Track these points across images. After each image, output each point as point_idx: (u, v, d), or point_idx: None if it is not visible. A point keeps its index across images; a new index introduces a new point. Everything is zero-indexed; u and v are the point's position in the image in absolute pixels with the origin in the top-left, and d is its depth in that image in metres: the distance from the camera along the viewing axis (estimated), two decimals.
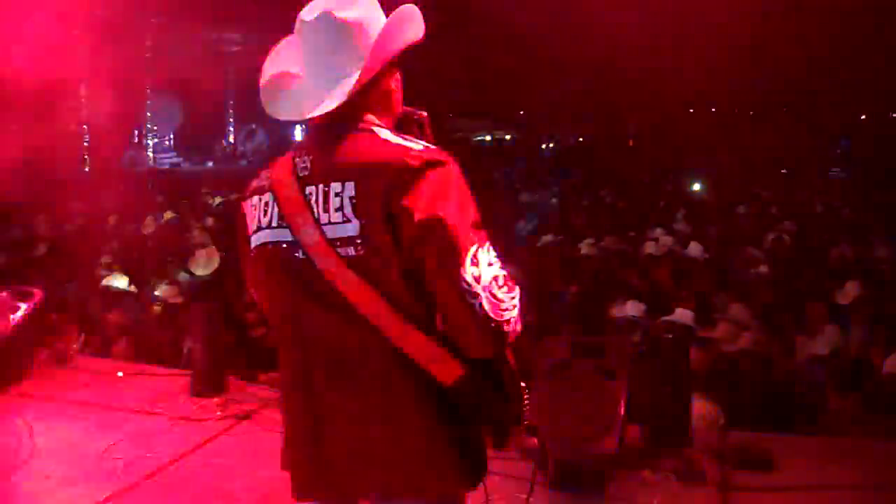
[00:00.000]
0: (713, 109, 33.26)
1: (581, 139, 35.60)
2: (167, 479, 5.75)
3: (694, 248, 12.97)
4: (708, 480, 5.49)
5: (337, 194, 2.48)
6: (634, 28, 22.56)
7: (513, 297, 2.50)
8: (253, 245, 2.75)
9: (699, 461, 5.64)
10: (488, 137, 37.03)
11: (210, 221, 17.15)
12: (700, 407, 6.24)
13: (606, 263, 12.48)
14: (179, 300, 10.86)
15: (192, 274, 12.61)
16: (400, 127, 2.73)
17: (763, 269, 11.57)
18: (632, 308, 8.72)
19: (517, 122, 37.47)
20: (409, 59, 2.75)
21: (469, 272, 2.39)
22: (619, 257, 12.99)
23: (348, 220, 2.45)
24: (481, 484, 2.71)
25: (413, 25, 2.69)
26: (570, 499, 5.07)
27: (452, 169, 2.49)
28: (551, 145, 36.31)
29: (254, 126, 37.40)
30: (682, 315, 8.12)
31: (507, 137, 38.01)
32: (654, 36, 22.37)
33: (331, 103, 2.54)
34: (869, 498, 5.34)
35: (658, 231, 14.69)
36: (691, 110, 32.94)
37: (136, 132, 35.62)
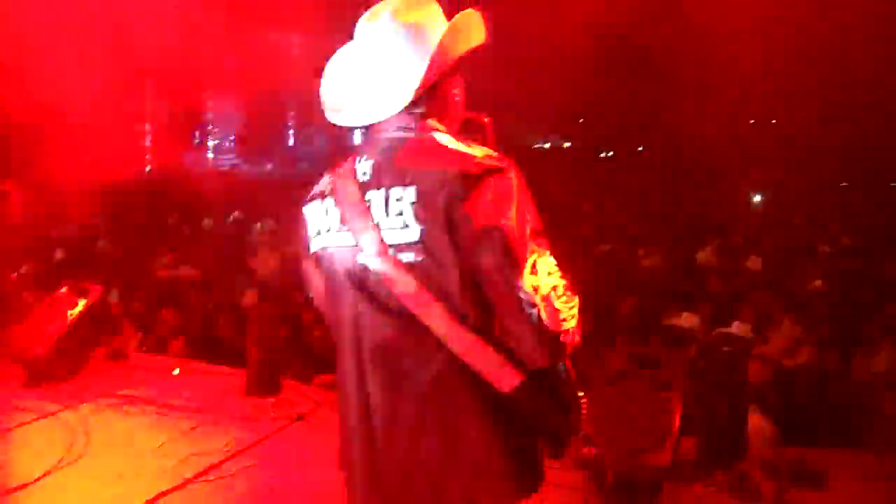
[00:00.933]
0: (773, 121, 32.85)
1: (641, 148, 35.40)
2: (218, 478, 5.77)
3: (753, 262, 12.85)
4: (762, 496, 5.43)
5: (398, 199, 2.46)
6: (694, 39, 22.42)
7: (572, 308, 2.48)
8: (313, 249, 2.76)
9: (753, 476, 5.58)
10: (547, 145, 36.89)
11: (270, 223, 17.23)
12: (755, 421, 6.18)
13: (663, 274, 12.40)
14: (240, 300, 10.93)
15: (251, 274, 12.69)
16: (462, 132, 2.71)
17: (819, 283, 11.44)
18: (687, 319, 8.66)
19: (575, 130, 37.33)
20: (471, 65, 2.73)
21: (528, 281, 2.38)
22: (675, 268, 12.90)
23: (408, 226, 2.44)
24: (535, 493, 2.68)
25: (475, 30, 2.67)
26: None
27: (513, 176, 2.46)
28: (610, 153, 36.18)
29: (313, 129, 37.56)
30: (739, 328, 8.05)
31: (566, 145, 37.88)
32: (712, 47, 22.15)
33: (391, 109, 2.55)
34: None
35: (715, 243, 14.58)
36: (752, 121, 32.59)
37: (198, 133, 35.91)
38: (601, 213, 20.32)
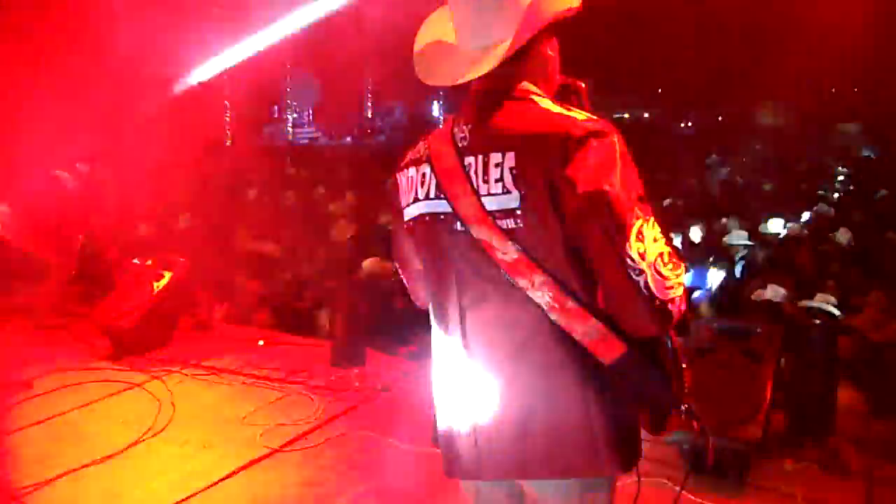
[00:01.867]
0: (855, 90, 32.28)
1: (720, 118, 34.98)
2: (305, 447, 5.83)
3: (843, 235, 12.63)
4: (852, 472, 5.35)
5: (497, 165, 2.39)
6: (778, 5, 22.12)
7: (679, 275, 2.39)
8: (408, 217, 2.69)
9: (844, 451, 5.50)
10: (626, 115, 36.60)
11: (349, 196, 17.28)
12: (845, 396, 6.09)
13: (749, 246, 12.23)
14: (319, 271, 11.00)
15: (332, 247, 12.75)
16: (558, 96, 2.65)
17: None
18: (773, 292, 8.54)
19: (656, 100, 37.04)
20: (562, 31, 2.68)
21: (634, 248, 2.28)
22: (761, 240, 12.73)
23: (508, 192, 2.37)
24: (634, 469, 2.63)
25: None
26: (712, 485, 4.98)
27: (616, 140, 2.36)
28: (689, 124, 35.84)
29: (391, 102, 37.66)
30: (824, 300, 7.93)
31: (646, 115, 37.58)
32: (800, 15, 21.81)
33: (483, 67, 2.45)
34: None
35: (805, 214, 14.38)
36: (833, 90, 32.09)
37: (276, 107, 36.16)
38: (681, 184, 20.09)
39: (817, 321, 6.20)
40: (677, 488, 3.38)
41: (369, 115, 38.58)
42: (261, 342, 8.09)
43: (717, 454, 4.95)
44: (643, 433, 2.63)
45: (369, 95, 38.39)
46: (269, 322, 9.37)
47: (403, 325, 7.97)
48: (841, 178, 21.95)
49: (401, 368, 7.13)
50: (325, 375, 7.10)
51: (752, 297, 8.92)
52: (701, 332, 5.75)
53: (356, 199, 16.82)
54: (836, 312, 7.76)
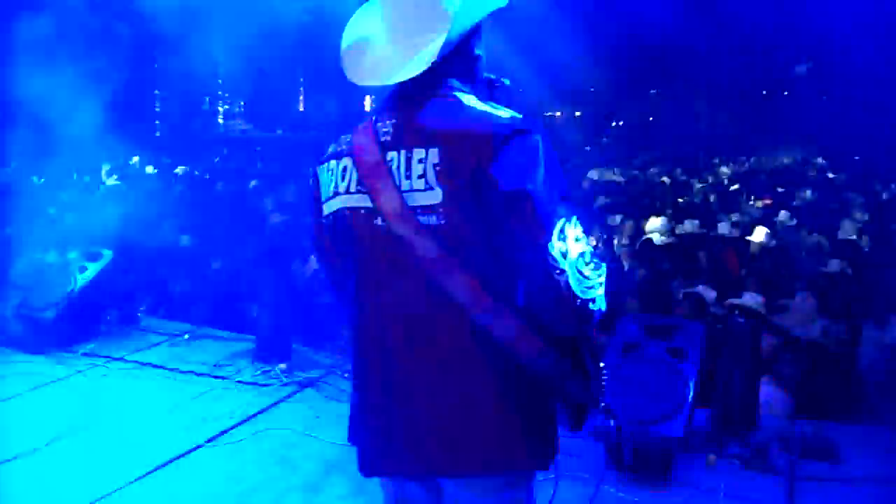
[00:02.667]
0: (786, 93, 32.68)
1: (651, 118, 35.27)
2: (230, 442, 5.79)
3: (759, 233, 12.77)
4: (774, 468, 5.42)
5: (420, 161, 2.40)
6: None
7: (599, 275, 2.42)
8: (328, 210, 2.67)
9: (766, 449, 5.57)
10: (559, 113, 36.73)
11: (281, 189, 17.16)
12: (768, 394, 6.16)
13: (676, 245, 12.34)
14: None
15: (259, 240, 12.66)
16: (484, 93, 2.66)
17: (831, 256, 11.35)
18: (701, 290, 8.62)
19: (586, 99, 37.21)
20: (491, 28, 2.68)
21: (556, 247, 2.31)
22: (689, 239, 12.84)
23: (431, 188, 2.37)
24: (552, 465, 2.65)
25: None
26: (635, 481, 5.03)
27: (540, 138, 2.38)
28: (620, 123, 36.09)
29: (324, 95, 37.46)
30: (752, 299, 8.01)
31: (577, 114, 37.76)
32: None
33: (416, 68, 2.45)
34: None
35: (732, 215, 14.52)
36: (764, 92, 32.44)
37: (208, 99, 35.84)
38: (611, 183, 20.23)
39: (741, 319, 6.25)
40: (593, 481, 3.40)
41: (301, 108, 38.38)
42: (186, 336, 8.02)
43: (641, 449, 5.00)
44: (562, 429, 2.64)
45: (302, 88, 38.17)
46: (196, 315, 9.29)
47: (329, 320, 7.96)
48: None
49: (326, 362, 7.12)
50: (251, 370, 7.07)
51: (682, 295, 9.01)
52: (626, 329, 5.80)
53: (288, 191, 16.71)
54: (762, 311, 7.84)
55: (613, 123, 36.08)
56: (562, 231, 2.33)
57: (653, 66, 28.50)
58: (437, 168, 2.37)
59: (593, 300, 2.39)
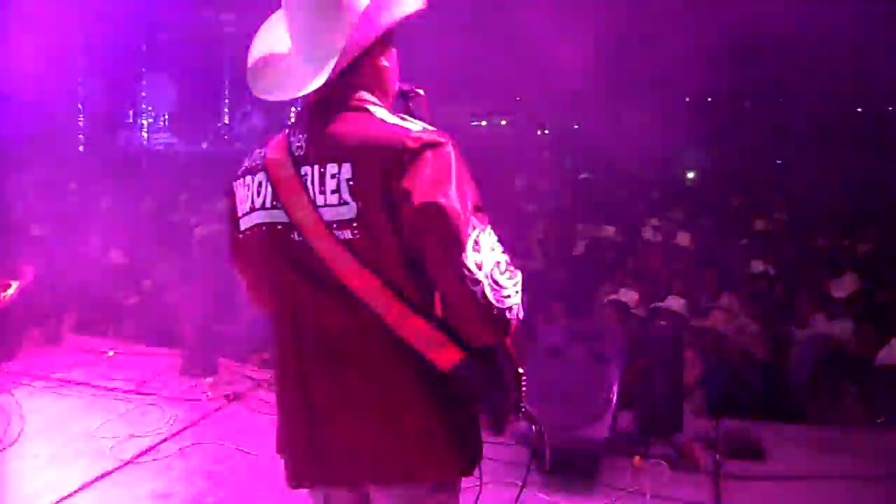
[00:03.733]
0: (709, 99, 33.03)
1: (577, 126, 35.42)
2: (157, 459, 5.74)
3: (682, 238, 12.91)
4: (700, 468, 5.50)
5: (333, 176, 2.41)
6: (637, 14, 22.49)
7: (515, 284, 2.44)
8: (244, 226, 2.68)
9: (691, 449, 5.64)
10: (484, 122, 36.81)
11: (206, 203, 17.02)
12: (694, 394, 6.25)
13: (599, 250, 12.44)
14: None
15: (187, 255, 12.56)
16: (397, 104, 2.67)
17: (753, 258, 11.49)
18: (624, 295, 8.70)
19: (514, 108, 37.27)
20: (406, 39, 2.69)
21: (471, 258, 2.33)
22: (612, 244, 12.94)
23: (345, 203, 2.39)
24: (476, 470, 2.67)
25: (411, 1, 2.60)
26: (561, 484, 5.07)
27: (451, 150, 2.41)
28: (546, 132, 36.20)
29: (249, 107, 37.22)
30: (674, 303, 8.10)
31: (503, 123, 37.85)
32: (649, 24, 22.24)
33: (318, 81, 2.46)
34: (859, 487, 5.35)
35: (653, 220, 14.64)
36: (687, 99, 32.74)
37: (131, 112, 35.47)
38: (540, 190, 20.31)
39: (664, 322, 6.33)
40: (520, 486, 3.41)
41: (226, 121, 38.12)
42: (111, 352, 7.93)
43: (566, 453, 5.04)
44: (486, 436, 2.67)
45: (226, 100, 37.90)
46: (121, 332, 9.21)
47: (255, 333, 7.94)
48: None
49: (253, 376, 7.09)
50: (177, 385, 7.01)
51: (605, 300, 9.09)
52: (550, 334, 5.85)
53: (212, 205, 16.59)
54: (684, 313, 7.94)
55: (539, 132, 36.22)
56: (476, 242, 2.35)
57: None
58: (350, 183, 2.38)
59: (510, 308, 2.41)
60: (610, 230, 13.34)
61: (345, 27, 2.48)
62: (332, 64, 2.44)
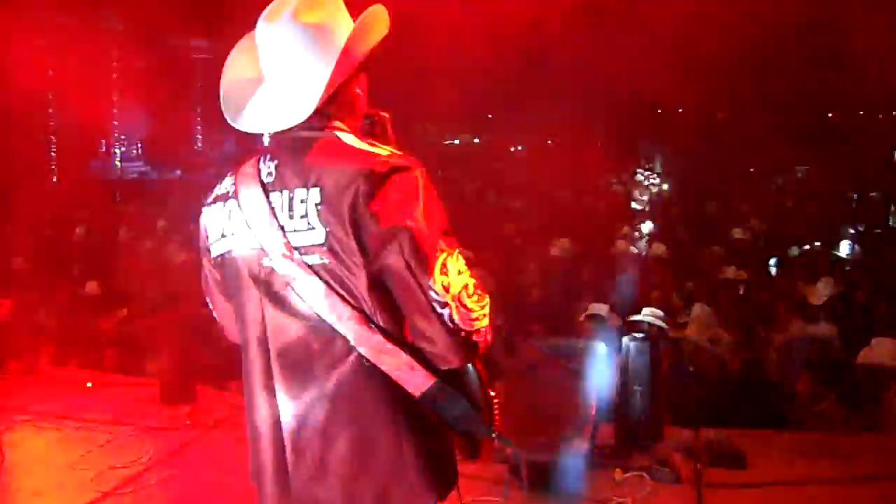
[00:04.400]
0: (680, 110, 33.17)
1: (549, 141, 35.52)
2: (137, 490, 5.71)
3: (657, 248, 12.97)
4: (682, 479, 5.51)
5: (302, 201, 2.41)
6: (607, 32, 22.54)
7: (483, 307, 2.47)
8: (216, 252, 2.69)
9: (672, 459, 5.66)
10: (457, 141, 36.95)
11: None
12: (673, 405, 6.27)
13: (574, 264, 12.47)
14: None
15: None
16: (363, 128, 2.68)
17: (729, 267, 11.55)
18: (598, 308, 8.71)
19: (485, 126, 37.37)
20: (377, 63, 2.70)
21: (439, 281, 2.35)
22: (586, 258, 12.98)
23: (313, 228, 2.39)
24: (455, 490, 2.66)
25: (380, 26, 2.62)
26: (543, 500, 5.06)
27: (419, 174, 2.42)
28: (519, 148, 36.30)
29: (222, 135, 37.13)
30: (651, 314, 8.12)
31: (476, 141, 37.98)
32: (622, 40, 22.29)
33: (300, 113, 2.46)
34: (841, 492, 5.38)
35: (625, 231, 14.70)
36: (659, 111, 32.87)
37: (104, 141, 35.34)
38: (511, 206, 20.36)
39: (641, 334, 6.34)
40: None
41: (199, 147, 37.99)
42: (89, 384, 7.90)
43: (547, 468, 5.05)
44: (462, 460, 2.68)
45: (199, 127, 37.81)
46: (100, 363, 9.17)
47: (234, 359, 7.91)
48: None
49: (232, 403, 7.06)
50: (156, 414, 6.97)
51: (580, 313, 9.10)
52: (526, 351, 5.86)
53: (187, 232, 16.55)
54: (663, 325, 7.95)
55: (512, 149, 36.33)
56: (444, 265, 2.37)
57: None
58: (319, 208, 2.38)
59: (478, 331, 2.44)
60: (565, 241, 13.35)
61: (324, 58, 2.49)
62: (314, 95, 2.46)
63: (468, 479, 2.72)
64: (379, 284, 2.41)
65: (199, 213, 2.78)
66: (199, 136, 37.91)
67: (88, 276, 12.73)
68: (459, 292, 2.39)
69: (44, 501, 5.56)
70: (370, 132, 2.67)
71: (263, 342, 2.61)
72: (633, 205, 19.84)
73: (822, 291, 9.50)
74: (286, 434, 2.59)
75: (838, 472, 5.58)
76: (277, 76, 2.57)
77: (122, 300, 11.50)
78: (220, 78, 2.69)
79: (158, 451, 6.25)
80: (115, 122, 34.33)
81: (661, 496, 5.32)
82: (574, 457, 5.22)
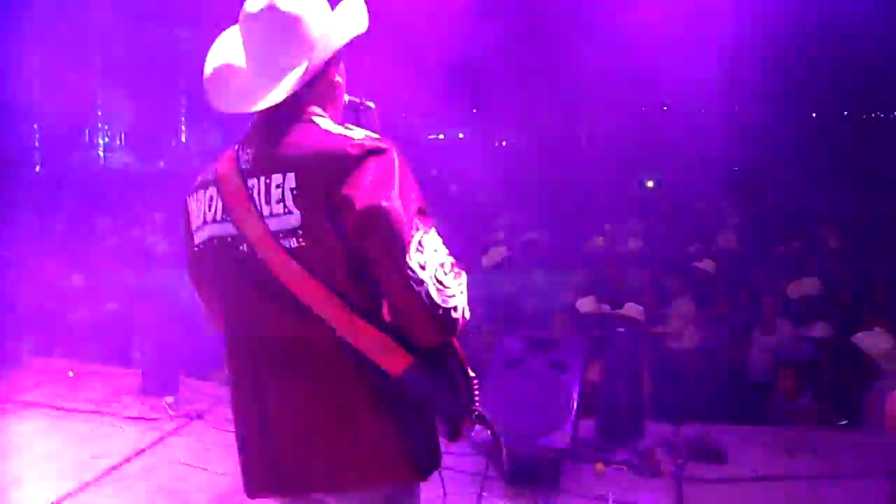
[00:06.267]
0: (665, 108, 33.21)
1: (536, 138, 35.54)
2: (119, 479, 5.71)
3: (633, 243, 12.99)
4: (662, 472, 5.54)
5: (278, 186, 2.44)
6: (595, 25, 22.53)
7: (460, 284, 2.48)
8: (198, 240, 2.70)
9: (653, 454, 5.68)
10: (442, 136, 36.89)
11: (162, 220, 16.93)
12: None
13: (563, 259, 12.46)
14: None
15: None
16: (347, 116, 2.71)
17: (709, 263, 11.55)
18: (581, 303, 8.73)
19: (471, 121, 37.33)
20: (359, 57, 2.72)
21: (415, 259, 2.36)
22: (574, 251, 12.99)
23: (290, 212, 2.42)
24: (436, 475, 2.66)
25: (359, 18, 2.67)
26: (523, 492, 5.09)
27: (395, 156, 2.45)
28: (504, 143, 36.27)
29: (206, 125, 37.04)
30: (632, 310, 8.15)
31: (461, 136, 37.93)
32: (612, 34, 22.28)
33: (278, 95, 2.51)
34: (820, 487, 5.40)
35: (607, 228, 14.71)
36: (643, 108, 32.91)
37: (87, 131, 35.24)
38: (495, 199, 20.35)
39: (622, 329, 6.37)
40: (484, 494, 3.41)
41: (183, 139, 37.92)
42: (71, 373, 7.89)
43: (528, 462, 5.07)
44: (447, 445, 2.68)
45: (183, 118, 37.73)
46: (81, 352, 9.15)
47: (216, 349, 7.91)
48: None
49: (214, 393, 7.07)
50: (138, 404, 6.98)
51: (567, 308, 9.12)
52: (508, 345, 5.88)
53: (170, 222, 16.50)
54: (642, 319, 7.99)
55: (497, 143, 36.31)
56: (420, 243, 2.39)
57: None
58: (294, 192, 2.41)
59: (455, 308, 2.45)
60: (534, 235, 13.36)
61: (304, 44, 2.54)
62: (292, 79, 2.51)
63: (446, 470, 2.72)
64: (356, 265, 2.43)
65: (182, 200, 2.79)
66: (184, 128, 37.78)
67: (72, 266, 12.70)
68: (436, 270, 2.41)
69: (24, 490, 5.55)
70: (356, 122, 2.68)
71: (245, 327, 2.63)
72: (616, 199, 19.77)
73: (804, 286, 9.52)
74: (270, 416, 2.60)
75: (817, 468, 5.62)
76: (258, 60, 2.61)
77: (103, 290, 11.49)
78: (203, 67, 2.71)
79: (140, 442, 6.25)
80: (99, 112, 34.23)
81: (641, 490, 5.35)
82: (554, 450, 5.24)
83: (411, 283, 2.36)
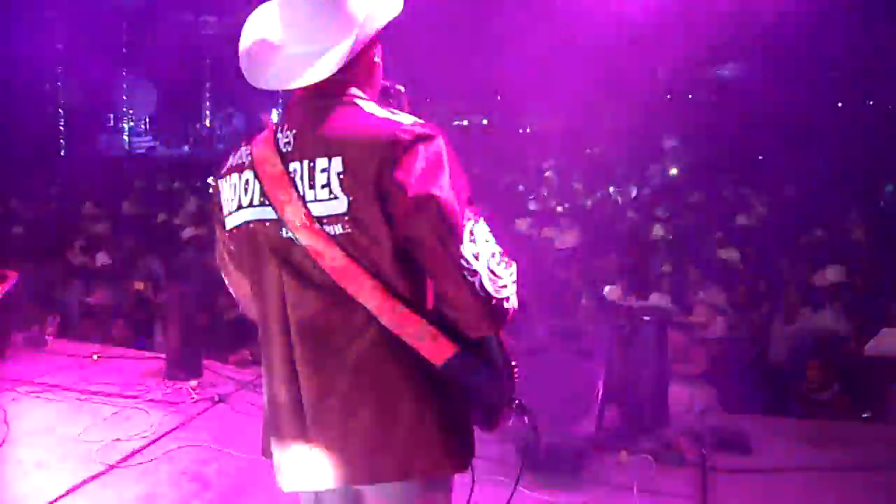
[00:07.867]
0: (690, 96, 33.11)
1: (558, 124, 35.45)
2: (142, 462, 5.71)
3: (658, 230, 12.96)
4: (686, 462, 5.51)
5: (323, 170, 2.38)
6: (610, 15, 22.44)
7: (511, 274, 2.46)
8: (231, 225, 2.64)
9: (677, 443, 5.66)
10: (466, 122, 36.83)
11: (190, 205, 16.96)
12: (678, 389, 6.26)
13: (587, 248, 12.45)
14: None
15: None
16: (380, 100, 2.65)
17: (733, 252, 11.50)
18: (609, 292, 8.72)
19: (495, 107, 37.27)
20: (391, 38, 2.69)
21: (468, 249, 2.34)
22: (597, 242, 12.97)
23: (335, 197, 2.36)
24: (469, 467, 2.65)
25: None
26: (548, 480, 5.06)
27: (442, 143, 2.40)
28: (527, 129, 36.20)
29: (231, 110, 37.12)
30: (659, 299, 8.13)
31: (484, 122, 37.87)
32: (627, 24, 22.18)
33: (321, 73, 2.44)
34: (845, 479, 5.38)
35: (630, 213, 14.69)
36: (668, 96, 32.79)
37: (112, 116, 35.36)
38: (520, 189, 20.34)
39: (647, 318, 6.34)
40: (509, 483, 3.38)
41: (208, 124, 38.01)
42: (95, 356, 7.91)
43: (554, 450, 5.05)
44: (478, 432, 2.66)
45: (208, 103, 37.82)
46: (106, 336, 9.18)
47: (241, 334, 7.92)
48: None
49: (238, 378, 7.09)
50: (161, 388, 6.98)
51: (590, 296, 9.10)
52: (534, 333, 5.87)
53: (197, 206, 16.53)
54: (669, 309, 7.97)
55: (521, 130, 36.26)
56: (471, 233, 2.36)
57: None
58: (341, 177, 2.36)
59: (507, 298, 2.43)
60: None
61: (346, 22, 2.47)
62: (334, 57, 2.44)
63: (475, 458, 2.70)
64: (403, 254, 2.39)
65: (211, 185, 2.76)
66: (208, 112, 37.83)
67: (97, 250, 12.74)
68: (488, 260, 2.38)
69: (47, 473, 5.55)
70: (385, 104, 2.64)
71: (282, 315, 2.57)
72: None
73: (829, 275, 9.48)
74: (306, 406, 2.56)
75: (842, 460, 5.59)
76: (299, 36, 2.53)
77: (129, 274, 11.52)
78: (232, 53, 2.67)
79: (163, 425, 6.25)
80: (125, 97, 34.35)
81: (665, 479, 5.31)
82: (579, 439, 5.22)
83: (465, 273, 2.34)
